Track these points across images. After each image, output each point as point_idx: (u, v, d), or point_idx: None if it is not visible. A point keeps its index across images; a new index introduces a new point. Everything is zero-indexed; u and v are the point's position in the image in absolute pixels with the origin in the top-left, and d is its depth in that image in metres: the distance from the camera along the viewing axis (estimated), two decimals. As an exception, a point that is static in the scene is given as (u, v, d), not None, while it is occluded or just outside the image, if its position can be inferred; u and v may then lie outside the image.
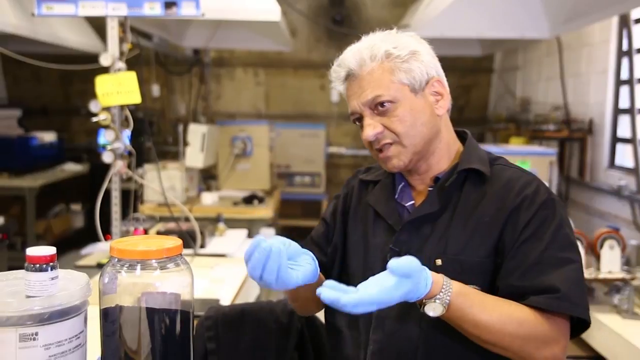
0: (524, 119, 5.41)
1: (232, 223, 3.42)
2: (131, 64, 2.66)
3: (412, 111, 1.28)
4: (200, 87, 6.48)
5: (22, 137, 5.24)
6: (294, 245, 1.16)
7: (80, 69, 2.97)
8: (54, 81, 6.48)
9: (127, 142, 2.64)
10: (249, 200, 3.96)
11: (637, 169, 3.70)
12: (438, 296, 1.11)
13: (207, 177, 4.57)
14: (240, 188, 4.24)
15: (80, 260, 2.61)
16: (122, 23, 2.62)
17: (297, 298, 1.41)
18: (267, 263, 1.07)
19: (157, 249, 1.04)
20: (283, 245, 1.11)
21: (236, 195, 4.11)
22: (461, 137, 1.41)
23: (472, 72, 6.55)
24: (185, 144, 3.86)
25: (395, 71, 1.28)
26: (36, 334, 0.95)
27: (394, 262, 1.06)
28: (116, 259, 1.05)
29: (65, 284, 1.02)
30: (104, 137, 2.61)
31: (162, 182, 2.88)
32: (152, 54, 5.55)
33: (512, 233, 1.23)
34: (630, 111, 3.84)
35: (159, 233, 2.83)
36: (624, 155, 4.21)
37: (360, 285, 1.07)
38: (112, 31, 2.60)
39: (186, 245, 1.11)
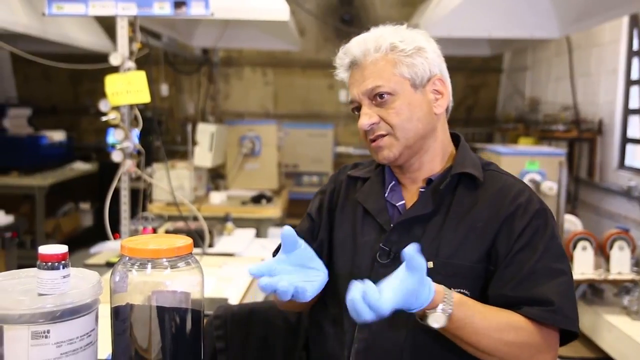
0: (533, 119, 5.39)
1: (240, 222, 3.42)
2: (140, 64, 2.67)
3: (410, 105, 1.28)
4: (209, 86, 6.49)
5: (32, 136, 5.27)
6: (307, 257, 1.14)
7: (90, 69, 2.99)
8: (63, 80, 6.52)
9: (136, 141, 2.65)
10: (257, 199, 3.97)
11: (647, 170, 3.68)
12: (441, 306, 1.09)
13: (216, 177, 4.59)
14: (248, 187, 4.24)
15: (90, 259, 2.62)
16: (132, 23, 2.64)
17: (284, 304, 1.38)
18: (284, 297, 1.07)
19: (167, 247, 1.05)
20: (298, 277, 1.11)
21: (244, 194, 4.12)
22: (453, 140, 1.40)
23: (480, 72, 6.53)
24: (194, 143, 3.87)
25: (398, 64, 1.27)
26: (48, 331, 0.95)
27: (410, 247, 1.04)
28: (127, 258, 1.05)
29: (77, 282, 1.03)
30: (113, 136, 2.62)
31: (171, 182, 2.89)
32: (161, 54, 5.57)
33: (507, 241, 1.22)
34: (641, 111, 3.82)
35: (167, 232, 2.84)
36: (634, 156, 4.19)
37: (383, 286, 1.05)
38: (122, 31, 2.61)
39: (195, 244, 1.11)
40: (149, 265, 1.04)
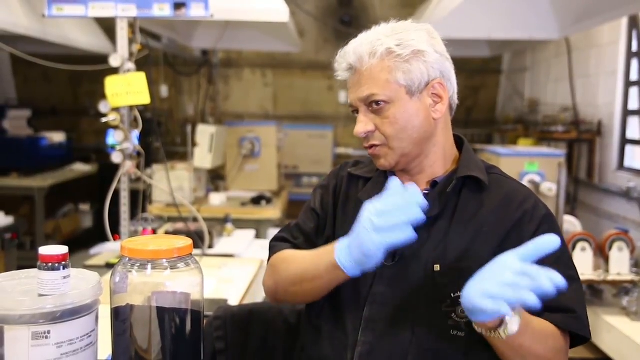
0: (532, 120, 5.40)
1: (240, 224, 3.43)
2: (140, 65, 2.67)
3: (405, 114, 1.26)
4: (209, 87, 6.50)
5: (32, 137, 5.28)
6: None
7: (90, 70, 2.99)
8: (63, 82, 6.52)
9: (136, 142, 2.65)
10: (256, 200, 3.97)
11: (646, 171, 3.69)
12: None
13: (215, 178, 4.59)
14: (248, 189, 4.25)
15: (89, 260, 2.62)
16: (132, 24, 2.64)
17: (313, 279, 1.28)
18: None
19: (167, 248, 1.05)
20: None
21: (244, 195, 4.13)
22: (456, 142, 1.39)
23: (480, 73, 6.53)
24: (194, 144, 3.87)
25: (394, 71, 1.25)
26: (48, 332, 0.96)
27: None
28: (127, 259, 1.05)
29: (77, 283, 1.03)
30: (113, 138, 2.63)
31: (171, 183, 2.89)
32: (161, 55, 5.58)
33: (517, 247, 1.22)
34: (640, 112, 3.83)
35: (167, 233, 2.84)
36: (633, 157, 4.19)
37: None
38: (122, 32, 2.62)
39: (194, 245, 1.11)
40: (149, 266, 1.04)
